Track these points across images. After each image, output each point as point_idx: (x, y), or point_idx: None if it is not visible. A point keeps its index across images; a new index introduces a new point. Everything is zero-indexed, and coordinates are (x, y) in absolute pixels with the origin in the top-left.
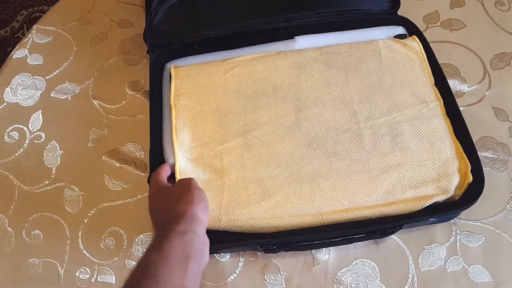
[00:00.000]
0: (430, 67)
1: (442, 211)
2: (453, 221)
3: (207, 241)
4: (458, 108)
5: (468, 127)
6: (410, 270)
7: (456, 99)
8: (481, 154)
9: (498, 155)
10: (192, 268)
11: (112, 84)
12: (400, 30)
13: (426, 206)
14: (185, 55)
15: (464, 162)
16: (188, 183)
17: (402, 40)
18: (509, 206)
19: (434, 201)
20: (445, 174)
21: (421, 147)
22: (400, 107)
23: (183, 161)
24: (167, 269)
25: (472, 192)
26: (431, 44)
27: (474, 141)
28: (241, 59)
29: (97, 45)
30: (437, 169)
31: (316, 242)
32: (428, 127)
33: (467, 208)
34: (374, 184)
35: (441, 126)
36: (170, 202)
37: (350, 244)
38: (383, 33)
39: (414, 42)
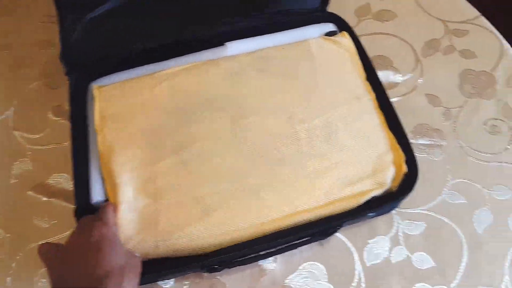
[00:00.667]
0: (361, 62)
1: (380, 204)
2: (395, 211)
3: None
4: (390, 100)
5: (404, 116)
6: (356, 267)
7: (391, 90)
8: (417, 142)
9: (434, 140)
10: None
11: (34, 112)
12: (331, 27)
13: (364, 201)
14: (110, 73)
15: (398, 153)
16: (108, 236)
17: (332, 38)
18: (446, 189)
19: (371, 195)
20: (380, 168)
21: (356, 144)
22: (333, 106)
23: (112, 188)
24: None
25: (407, 182)
26: (364, 37)
27: (410, 129)
28: (170, 71)
29: (17, 70)
30: (372, 164)
31: (260, 253)
32: (362, 122)
33: (403, 198)
34: (314, 187)
35: (375, 120)
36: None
37: (295, 249)
38: (314, 32)
39: (344, 38)
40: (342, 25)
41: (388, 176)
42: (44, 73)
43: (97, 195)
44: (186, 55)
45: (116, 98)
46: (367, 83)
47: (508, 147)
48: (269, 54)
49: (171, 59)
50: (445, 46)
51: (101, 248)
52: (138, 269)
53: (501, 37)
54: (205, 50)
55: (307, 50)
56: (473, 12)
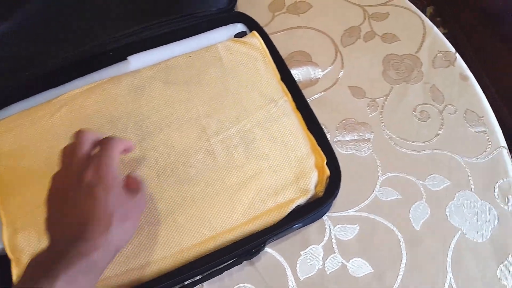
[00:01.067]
0: (274, 62)
1: (306, 213)
2: (326, 217)
3: None
4: (306, 100)
5: (328, 112)
6: (289, 283)
7: (312, 87)
8: (344, 138)
9: (361, 135)
10: None
11: None
12: (239, 27)
13: (289, 212)
14: (6, 105)
15: (320, 155)
16: (107, 174)
17: (241, 39)
18: (378, 186)
19: (296, 204)
20: (302, 173)
21: (276, 150)
22: (249, 112)
23: (11, 234)
24: None
25: (332, 185)
26: (280, 34)
27: (335, 126)
28: (68, 95)
29: None
30: (294, 170)
31: (185, 283)
32: (280, 126)
33: (330, 203)
34: (233, 203)
35: (293, 122)
36: (71, 210)
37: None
38: (222, 35)
39: (254, 39)
40: (252, 24)
41: (311, 181)
42: None
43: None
44: (88, 75)
45: (12, 132)
46: (282, 84)
47: (440, 132)
48: (173, 63)
49: (71, 82)
50: (366, 33)
51: (93, 193)
52: (140, 208)
53: (423, 15)
54: (107, 67)
55: (214, 55)
56: None
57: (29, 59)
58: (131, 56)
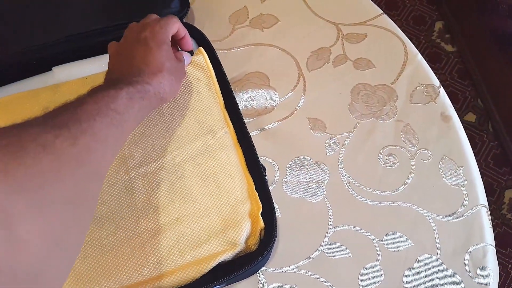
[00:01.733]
0: (219, 85)
1: (232, 271)
2: (260, 272)
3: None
4: (249, 134)
5: (280, 146)
6: None
7: (266, 115)
8: (295, 178)
9: (314, 177)
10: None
11: None
12: None
13: (210, 268)
14: None
15: (256, 203)
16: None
17: None
18: (326, 240)
19: (220, 260)
20: (233, 223)
21: (206, 191)
22: (181, 143)
23: None
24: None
25: (267, 239)
26: (238, 50)
27: (286, 164)
28: None
29: None
30: (224, 217)
31: None
32: (215, 163)
33: (260, 261)
34: (145, 252)
35: (231, 159)
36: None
37: None
38: None
39: (199, 56)
40: (200, 39)
41: (242, 233)
42: None
43: None
44: (6, 86)
45: None
46: (225, 112)
47: (407, 181)
48: (100, 78)
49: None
50: (336, 56)
51: (148, 44)
52: (182, 74)
53: (406, 39)
54: (31, 78)
55: None
56: (374, 11)
57: None
58: (56, 66)
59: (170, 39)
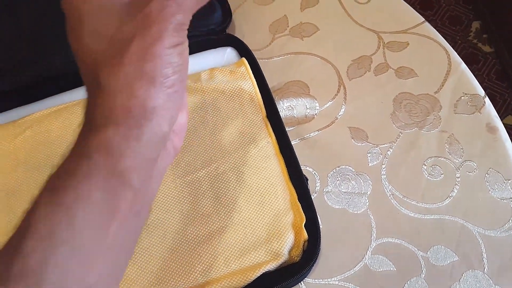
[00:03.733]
0: (261, 95)
1: (275, 282)
2: (302, 283)
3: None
4: (291, 144)
5: (320, 156)
6: None
7: (306, 124)
8: (336, 189)
9: (356, 188)
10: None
11: None
12: (229, 52)
13: (255, 278)
14: None
15: (299, 214)
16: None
17: (227, 67)
18: (369, 253)
19: (265, 270)
20: (277, 233)
21: (249, 201)
22: (225, 152)
23: None
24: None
25: (309, 251)
26: (278, 59)
27: (327, 173)
28: (35, 116)
29: None
30: (267, 228)
31: None
32: (258, 173)
33: (306, 272)
34: (192, 260)
35: (273, 169)
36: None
37: None
38: (209, 59)
39: (241, 67)
40: (242, 49)
41: (285, 244)
42: None
43: None
44: (58, 95)
45: None
46: (267, 122)
47: (453, 194)
48: None
49: (42, 100)
50: (378, 65)
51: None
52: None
53: (449, 48)
54: (78, 88)
55: (195, 83)
56: (415, 18)
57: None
58: None
59: None
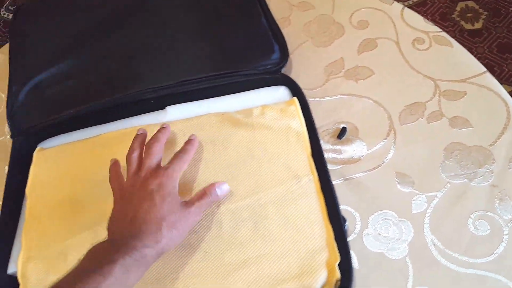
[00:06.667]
0: (308, 134)
1: None
2: None
3: None
4: (332, 183)
5: (363, 199)
6: None
7: (352, 165)
8: (376, 232)
9: (396, 234)
10: None
11: None
12: (282, 90)
13: None
14: (54, 135)
15: (334, 253)
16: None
17: (278, 105)
18: None
19: None
20: (310, 269)
21: (286, 234)
22: (268, 185)
23: (24, 261)
24: None
25: None
26: (330, 99)
27: (368, 216)
28: (105, 136)
29: None
30: (301, 262)
31: None
32: (297, 208)
33: None
34: (227, 284)
35: (313, 206)
36: (128, 212)
37: None
38: (261, 97)
39: (292, 106)
40: (294, 89)
41: (317, 281)
42: None
43: (15, 266)
44: (126, 119)
45: (49, 163)
46: (311, 160)
47: (498, 251)
48: (205, 120)
49: (112, 122)
50: (431, 112)
51: (153, 198)
52: (189, 221)
53: (511, 100)
54: (146, 114)
55: (247, 118)
56: (476, 68)
57: (75, 99)
58: (170, 106)
59: (177, 187)
